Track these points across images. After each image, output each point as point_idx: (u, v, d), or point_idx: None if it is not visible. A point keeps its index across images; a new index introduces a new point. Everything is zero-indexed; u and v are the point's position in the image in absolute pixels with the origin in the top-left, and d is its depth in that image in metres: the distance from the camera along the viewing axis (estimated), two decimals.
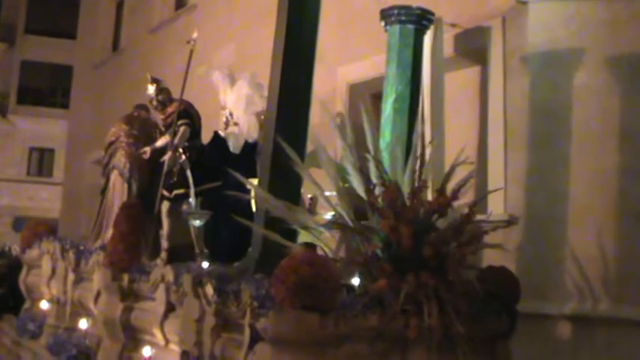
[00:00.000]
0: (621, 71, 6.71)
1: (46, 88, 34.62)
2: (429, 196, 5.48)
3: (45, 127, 33.07)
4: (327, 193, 5.43)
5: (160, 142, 8.29)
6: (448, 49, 7.79)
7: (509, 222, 6.72)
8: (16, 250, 10.97)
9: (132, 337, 6.84)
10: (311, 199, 7.05)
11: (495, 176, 7.31)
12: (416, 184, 5.07)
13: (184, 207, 7.78)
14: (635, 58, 6.65)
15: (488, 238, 5.09)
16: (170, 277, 6.05)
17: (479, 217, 5.21)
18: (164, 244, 7.92)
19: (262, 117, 7.56)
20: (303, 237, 5.70)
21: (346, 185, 5.33)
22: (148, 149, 8.39)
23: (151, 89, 8.36)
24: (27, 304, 9.62)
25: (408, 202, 4.89)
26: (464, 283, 4.79)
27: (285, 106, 6.04)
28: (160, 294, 6.27)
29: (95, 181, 11.71)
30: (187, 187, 7.75)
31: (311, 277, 4.41)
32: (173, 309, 6.10)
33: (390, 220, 4.75)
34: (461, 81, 8.16)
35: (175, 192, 7.91)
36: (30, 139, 34.24)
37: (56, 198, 24.29)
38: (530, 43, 7.30)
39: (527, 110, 7.22)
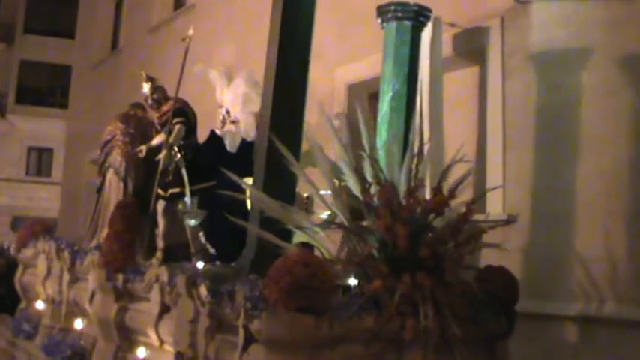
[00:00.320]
0: (620, 71, 6.68)
1: (45, 88, 34.60)
2: (427, 195, 5.42)
3: (44, 127, 33.07)
4: (322, 193, 5.36)
5: (156, 141, 8.23)
6: (447, 49, 7.78)
7: (508, 221, 6.71)
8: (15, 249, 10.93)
9: (126, 337, 6.81)
10: (307, 198, 7.00)
11: (494, 176, 7.30)
12: (412, 183, 5.00)
13: (180, 206, 7.73)
14: (635, 58, 6.61)
15: (487, 238, 5.05)
16: (164, 277, 6.01)
17: (477, 216, 5.16)
18: (160, 243, 7.86)
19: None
20: (300, 237, 5.65)
21: (342, 184, 5.27)
22: (143, 148, 8.34)
23: (146, 87, 8.32)
24: (23, 304, 9.59)
25: (404, 202, 4.82)
26: (461, 284, 4.73)
27: (280, 105, 5.98)
28: (155, 294, 6.23)
29: (94, 181, 11.67)
30: (183, 186, 7.69)
31: (306, 278, 4.35)
32: (168, 310, 6.06)
33: (386, 219, 4.68)
34: (460, 81, 8.14)
35: (171, 191, 7.85)
36: (29, 139, 34.26)
37: (55, 198, 24.28)
38: (528, 43, 7.33)
39: (525, 110, 7.22)
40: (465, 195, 5.12)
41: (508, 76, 7.47)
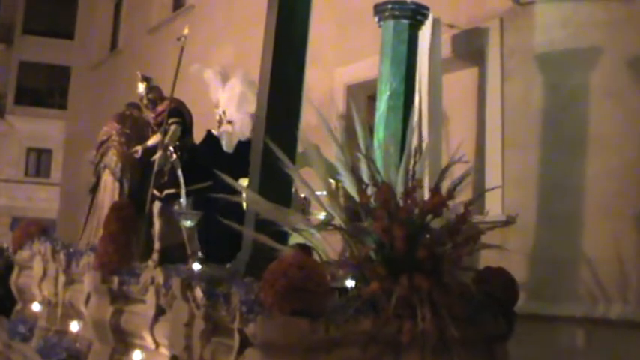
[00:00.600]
0: (618, 72, 6.69)
1: (44, 89, 34.59)
2: (426, 196, 5.36)
3: (43, 128, 33.07)
4: (318, 194, 5.31)
5: (152, 141, 8.19)
6: (446, 50, 7.81)
7: (507, 222, 6.67)
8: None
9: (122, 340, 6.74)
10: (304, 199, 6.95)
11: (493, 177, 7.28)
12: (410, 183, 4.95)
13: (175, 207, 7.67)
14: (633, 59, 6.59)
15: (486, 239, 5.01)
16: (160, 279, 5.95)
17: (476, 217, 5.12)
18: (156, 244, 7.80)
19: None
20: (296, 238, 5.60)
21: (339, 185, 5.22)
22: (139, 148, 8.29)
23: (141, 87, 8.27)
24: (18, 306, 9.53)
25: (401, 203, 4.77)
26: (459, 285, 4.68)
27: (275, 104, 5.92)
28: (150, 297, 6.17)
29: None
30: (178, 186, 7.64)
31: (301, 281, 4.30)
32: (163, 312, 6.00)
33: (383, 221, 4.64)
34: (459, 82, 8.11)
35: (166, 192, 7.79)
36: (28, 140, 34.26)
37: (54, 198, 24.27)
38: (528, 45, 7.36)
39: (524, 111, 7.21)
40: (464, 195, 5.09)
41: (507, 77, 7.50)
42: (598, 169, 6.65)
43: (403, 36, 6.73)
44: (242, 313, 4.59)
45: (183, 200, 7.56)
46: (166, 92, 8.31)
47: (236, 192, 5.92)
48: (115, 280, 6.78)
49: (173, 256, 7.32)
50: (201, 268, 5.99)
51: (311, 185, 5.46)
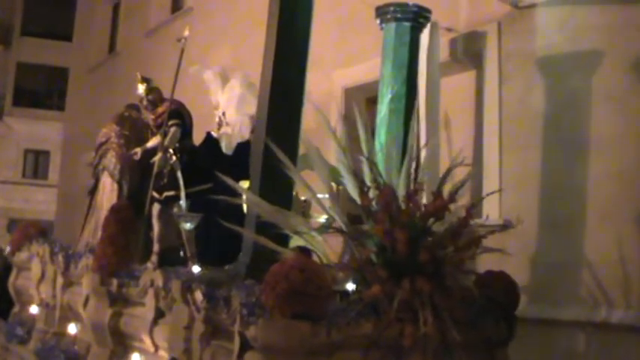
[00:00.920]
0: (617, 75, 6.68)
1: (42, 90, 34.52)
2: (424, 199, 5.34)
3: (40, 129, 33.01)
4: (320, 196, 5.29)
5: (151, 143, 8.15)
6: (444, 53, 7.80)
7: (505, 226, 6.64)
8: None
9: (121, 343, 6.72)
10: (304, 201, 6.93)
11: (491, 180, 7.29)
12: (412, 186, 4.93)
13: (175, 209, 7.63)
14: (631, 63, 6.58)
15: (485, 242, 4.97)
16: (159, 282, 5.92)
17: (475, 221, 5.09)
18: (155, 247, 7.77)
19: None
20: (297, 241, 5.58)
21: (340, 188, 5.21)
22: (138, 150, 8.25)
23: (141, 89, 8.23)
24: (16, 308, 9.50)
25: (403, 206, 4.75)
26: (461, 289, 4.66)
27: (277, 107, 5.91)
28: (150, 299, 6.14)
29: (90, 184, 11.62)
30: (178, 188, 7.61)
31: (302, 284, 4.28)
32: (162, 315, 5.98)
33: (384, 224, 4.62)
34: (457, 85, 8.11)
35: (166, 194, 7.76)
36: (25, 141, 34.19)
37: (52, 200, 24.21)
38: (526, 48, 7.36)
39: (522, 114, 7.22)
40: (462, 199, 5.06)
41: (505, 80, 7.51)
42: (597, 172, 6.64)
43: (405, 39, 6.73)
44: (243, 316, 4.57)
45: (182, 202, 7.52)
46: (165, 94, 8.30)
47: (236, 194, 5.90)
48: (114, 282, 6.75)
49: (172, 258, 7.30)
50: (201, 271, 5.96)
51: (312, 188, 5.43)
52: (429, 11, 6.90)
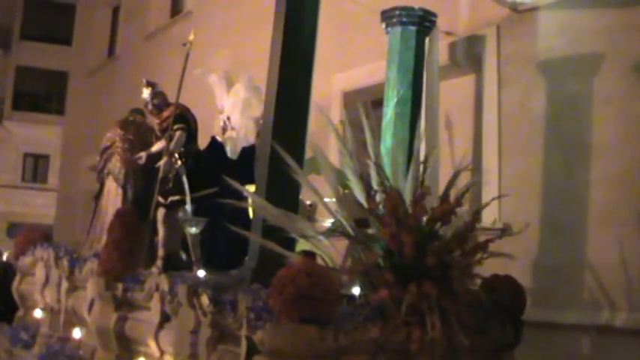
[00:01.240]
0: (617, 79, 6.69)
1: (42, 94, 34.53)
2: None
3: (40, 133, 33.04)
4: (326, 200, 5.30)
5: (156, 148, 8.11)
6: (443, 57, 7.79)
7: (504, 230, 6.63)
8: (11, 255, 10.83)
9: (126, 347, 6.72)
10: (310, 205, 6.93)
11: (490, 184, 7.29)
12: (418, 190, 4.93)
13: (180, 214, 7.63)
14: (631, 66, 6.59)
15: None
16: (165, 286, 5.93)
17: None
18: (159, 251, 7.77)
19: (260, 121, 7.43)
20: (302, 245, 5.58)
21: (346, 192, 5.21)
22: (143, 154, 8.21)
23: (146, 93, 8.20)
24: (20, 313, 9.48)
25: (410, 209, 4.75)
26: (468, 293, 4.66)
27: (283, 111, 5.91)
28: (155, 304, 6.15)
29: (90, 187, 11.61)
30: (183, 193, 7.60)
31: (309, 288, 4.29)
32: (168, 319, 5.98)
33: (391, 228, 4.61)
34: (456, 89, 8.12)
35: (171, 198, 7.75)
36: (25, 145, 34.21)
37: (51, 204, 24.19)
38: (525, 52, 7.36)
39: (522, 118, 7.22)
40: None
41: (504, 84, 7.53)
42: (598, 175, 6.65)
43: (410, 43, 6.72)
44: (250, 320, 4.58)
45: (188, 207, 7.52)
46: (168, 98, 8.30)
47: (241, 198, 5.90)
48: (119, 286, 6.76)
49: (177, 263, 7.30)
50: (207, 275, 5.97)
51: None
52: (434, 15, 6.89)
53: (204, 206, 7.44)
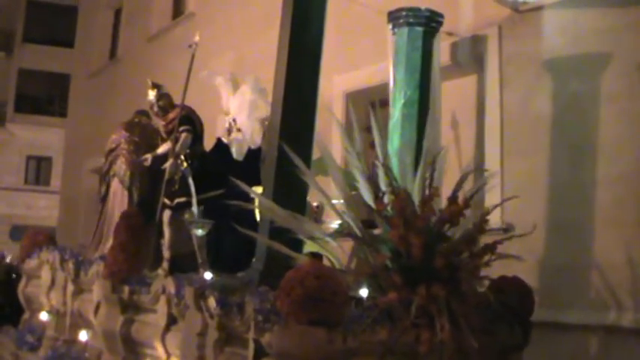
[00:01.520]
0: (619, 78, 6.68)
1: (44, 97, 34.56)
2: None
3: (42, 136, 33.11)
4: (334, 202, 5.29)
5: (162, 149, 8.08)
6: (445, 57, 7.77)
7: (506, 230, 6.64)
8: (15, 258, 10.84)
9: (132, 350, 6.70)
10: (317, 207, 6.92)
11: (493, 185, 7.25)
12: (427, 191, 4.92)
13: (186, 216, 7.62)
14: (633, 66, 6.58)
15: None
16: (171, 288, 5.91)
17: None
18: (165, 253, 7.76)
19: (266, 123, 7.42)
20: (309, 247, 5.57)
21: (354, 193, 5.20)
22: (149, 156, 8.17)
23: (152, 95, 8.17)
24: (26, 315, 9.48)
25: (418, 211, 4.74)
26: (476, 295, 4.65)
27: (291, 112, 5.90)
28: (162, 306, 6.13)
29: (93, 189, 11.60)
30: (189, 195, 7.58)
31: (318, 290, 4.28)
32: (175, 322, 5.97)
33: (399, 229, 4.61)
34: (458, 89, 8.11)
35: (177, 200, 7.74)
36: (27, 148, 34.30)
37: (54, 206, 24.19)
38: (526, 52, 7.33)
39: (524, 118, 7.21)
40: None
41: (506, 84, 7.52)
42: (602, 174, 6.64)
43: (417, 43, 6.70)
44: (257, 322, 4.57)
45: (194, 209, 7.50)
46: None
47: (247, 200, 5.89)
48: (126, 289, 6.74)
49: (183, 265, 7.29)
50: (214, 277, 5.96)
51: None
52: (441, 16, 6.88)
53: (211, 208, 7.44)
